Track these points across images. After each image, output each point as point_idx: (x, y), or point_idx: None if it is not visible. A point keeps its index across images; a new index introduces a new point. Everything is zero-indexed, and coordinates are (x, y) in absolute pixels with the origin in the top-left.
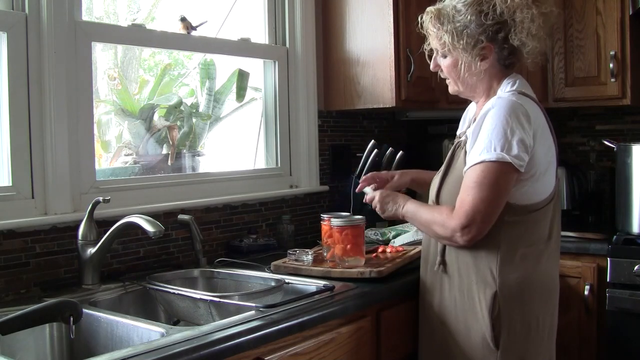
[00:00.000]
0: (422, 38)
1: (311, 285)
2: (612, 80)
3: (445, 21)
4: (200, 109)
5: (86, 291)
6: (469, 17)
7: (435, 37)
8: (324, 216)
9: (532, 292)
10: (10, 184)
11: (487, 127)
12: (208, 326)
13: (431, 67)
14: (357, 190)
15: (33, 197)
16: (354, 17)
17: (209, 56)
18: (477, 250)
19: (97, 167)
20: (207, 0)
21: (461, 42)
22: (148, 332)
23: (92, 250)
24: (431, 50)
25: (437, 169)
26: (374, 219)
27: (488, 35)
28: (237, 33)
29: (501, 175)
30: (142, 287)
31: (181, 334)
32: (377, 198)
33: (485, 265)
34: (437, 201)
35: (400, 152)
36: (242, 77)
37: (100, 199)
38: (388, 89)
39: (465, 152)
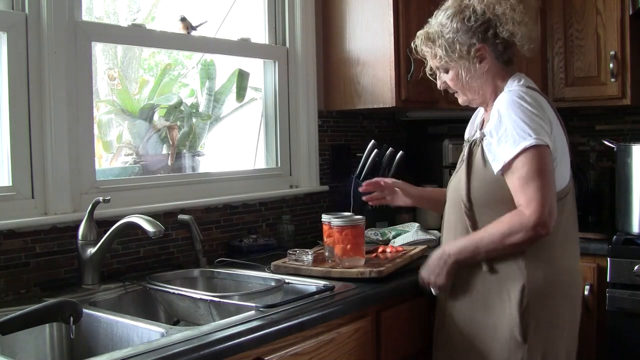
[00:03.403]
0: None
1: (311, 285)
2: (612, 80)
3: (436, 38)
4: (200, 109)
5: (86, 291)
6: (455, 25)
7: (430, 56)
8: (325, 217)
9: (555, 286)
10: (10, 184)
11: (511, 118)
12: (208, 326)
13: (438, 86)
14: (361, 190)
15: (33, 197)
16: (354, 17)
17: (209, 56)
18: None
19: (97, 167)
20: (207, 0)
21: (455, 51)
22: (148, 332)
23: (92, 250)
24: (433, 71)
25: (437, 169)
26: (374, 219)
27: (478, 37)
28: (237, 33)
29: (545, 157)
30: (142, 287)
31: (181, 334)
32: (424, 274)
33: (512, 260)
34: (470, 202)
35: (400, 152)
36: (242, 77)
37: (100, 199)
38: (388, 89)
39: (482, 149)
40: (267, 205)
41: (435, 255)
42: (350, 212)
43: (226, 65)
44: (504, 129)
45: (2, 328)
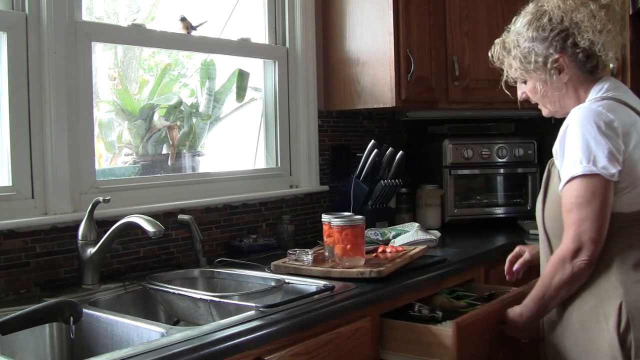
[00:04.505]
0: (423, 38)
1: (311, 285)
2: None
3: (511, 48)
4: (200, 109)
5: (86, 291)
6: (531, 34)
7: (507, 66)
8: (325, 217)
9: None
10: (10, 184)
11: (570, 142)
12: (208, 326)
13: (519, 96)
14: (508, 278)
15: (33, 197)
16: (354, 17)
17: (209, 56)
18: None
19: (97, 167)
20: (207, 0)
21: (531, 62)
22: (148, 332)
23: (92, 250)
24: (513, 80)
25: (437, 169)
26: (374, 219)
27: (556, 47)
28: (237, 33)
29: (594, 188)
30: (142, 287)
31: (181, 334)
32: (508, 332)
33: (605, 279)
34: (544, 226)
35: (400, 152)
36: (242, 77)
37: (100, 199)
38: (388, 89)
39: (557, 169)
40: (267, 205)
41: (511, 319)
42: (350, 212)
43: (226, 65)
44: (567, 151)
45: (2, 328)
